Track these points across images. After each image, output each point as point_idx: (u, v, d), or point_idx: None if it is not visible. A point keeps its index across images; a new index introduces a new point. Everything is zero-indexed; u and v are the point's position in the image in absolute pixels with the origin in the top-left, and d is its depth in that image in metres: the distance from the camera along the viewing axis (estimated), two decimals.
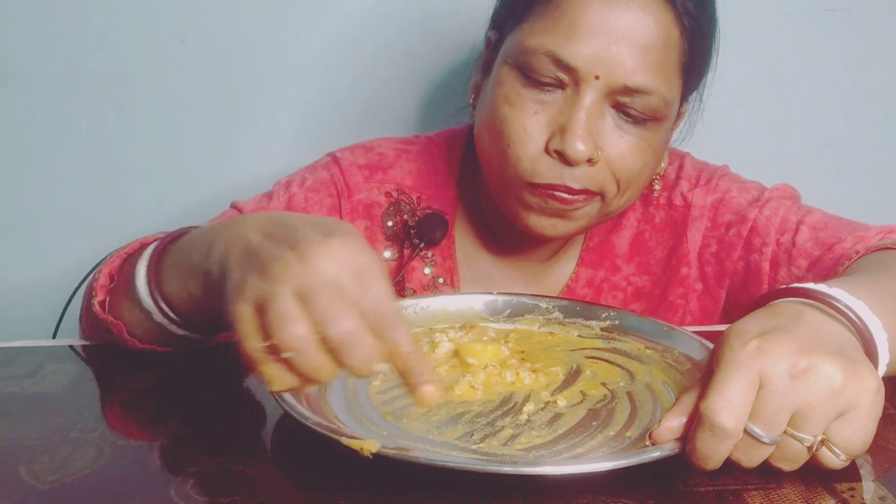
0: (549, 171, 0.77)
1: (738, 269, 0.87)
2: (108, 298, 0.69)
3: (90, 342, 0.75)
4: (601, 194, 0.79)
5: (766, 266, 0.85)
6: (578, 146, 0.74)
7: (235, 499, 0.48)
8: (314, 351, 0.47)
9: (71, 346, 0.73)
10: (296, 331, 0.47)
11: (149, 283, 0.64)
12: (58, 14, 1.12)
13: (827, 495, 0.50)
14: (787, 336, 0.49)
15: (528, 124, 0.77)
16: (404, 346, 0.48)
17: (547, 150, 0.77)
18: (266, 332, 0.48)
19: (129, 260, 0.70)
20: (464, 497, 0.49)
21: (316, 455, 0.52)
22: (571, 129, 0.74)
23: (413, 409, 0.59)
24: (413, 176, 0.92)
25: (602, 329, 0.73)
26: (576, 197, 0.78)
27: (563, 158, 0.76)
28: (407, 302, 0.75)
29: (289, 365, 0.48)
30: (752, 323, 0.51)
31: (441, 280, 0.90)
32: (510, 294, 0.77)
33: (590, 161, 0.76)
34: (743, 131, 1.20)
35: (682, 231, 0.90)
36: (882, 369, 0.53)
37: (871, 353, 0.52)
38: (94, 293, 0.69)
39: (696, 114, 0.89)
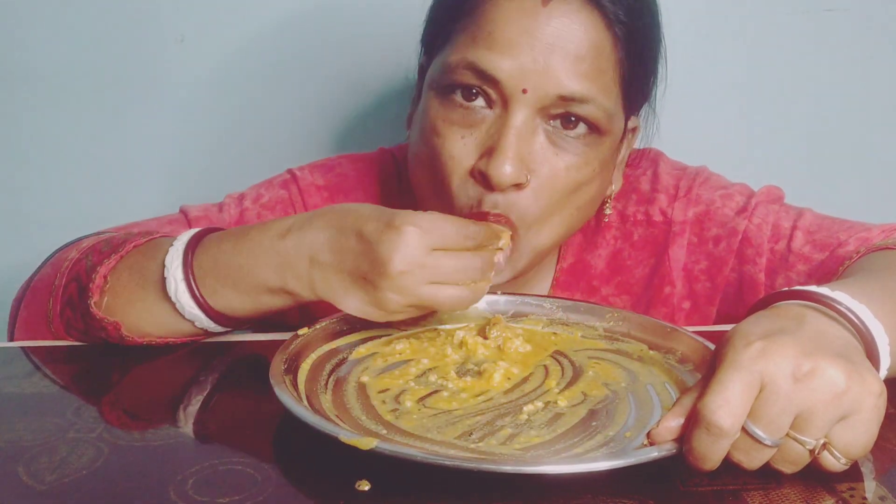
0: (467, 195, 0.72)
1: (731, 281, 0.84)
2: (105, 299, 0.69)
3: (34, 341, 0.75)
4: (516, 228, 0.73)
5: (761, 277, 0.82)
6: (505, 168, 0.69)
7: (235, 499, 0.48)
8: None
9: (70, 347, 0.73)
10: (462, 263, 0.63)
11: (193, 295, 0.66)
12: (57, 14, 1.12)
13: (827, 495, 0.50)
14: (790, 339, 0.49)
15: (456, 151, 0.72)
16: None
17: (472, 173, 0.72)
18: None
19: (129, 260, 0.70)
20: (463, 497, 0.49)
21: (316, 455, 0.52)
22: (499, 151, 0.69)
23: (413, 409, 0.59)
24: (377, 197, 0.89)
25: (605, 330, 0.73)
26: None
27: (486, 181, 0.71)
28: None
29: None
30: (755, 325, 0.51)
31: None
32: (514, 294, 0.76)
33: (517, 186, 0.71)
34: (742, 131, 1.20)
35: (664, 249, 0.85)
36: (883, 373, 0.53)
37: (872, 356, 0.52)
38: (88, 293, 0.68)
39: (652, 128, 0.84)
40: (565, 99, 0.70)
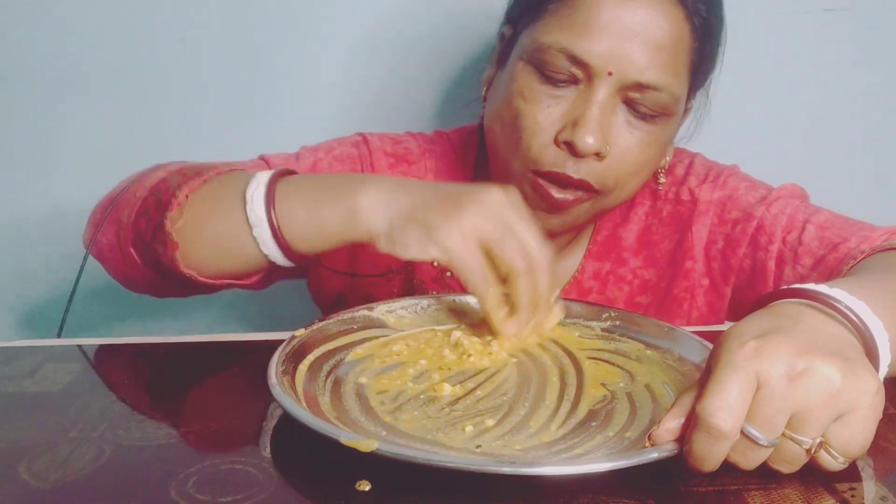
0: (553, 159, 0.79)
1: (745, 266, 0.88)
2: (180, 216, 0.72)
3: (103, 257, 0.79)
4: (598, 192, 0.81)
5: (771, 265, 0.85)
6: (588, 139, 0.76)
7: (235, 498, 0.48)
8: (528, 271, 0.65)
9: (71, 346, 0.73)
10: (518, 253, 0.64)
11: (267, 206, 0.69)
12: (58, 14, 1.12)
13: (827, 495, 0.50)
14: (785, 337, 0.49)
15: (541, 117, 0.79)
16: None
17: (556, 142, 0.79)
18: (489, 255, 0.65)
19: (215, 181, 0.74)
20: (463, 497, 0.49)
21: (316, 455, 0.52)
22: (583, 122, 0.77)
23: (412, 410, 0.59)
24: (433, 174, 0.95)
25: (603, 330, 0.73)
26: (566, 194, 0.80)
27: (572, 149, 0.78)
28: (407, 302, 0.75)
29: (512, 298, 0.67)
30: (750, 324, 0.51)
31: (449, 273, 0.92)
32: None
33: (597, 155, 0.78)
34: (741, 131, 1.20)
35: (688, 225, 0.91)
36: (883, 370, 0.53)
37: (871, 353, 0.52)
38: (168, 207, 0.71)
39: (703, 110, 0.91)
40: (641, 85, 0.77)
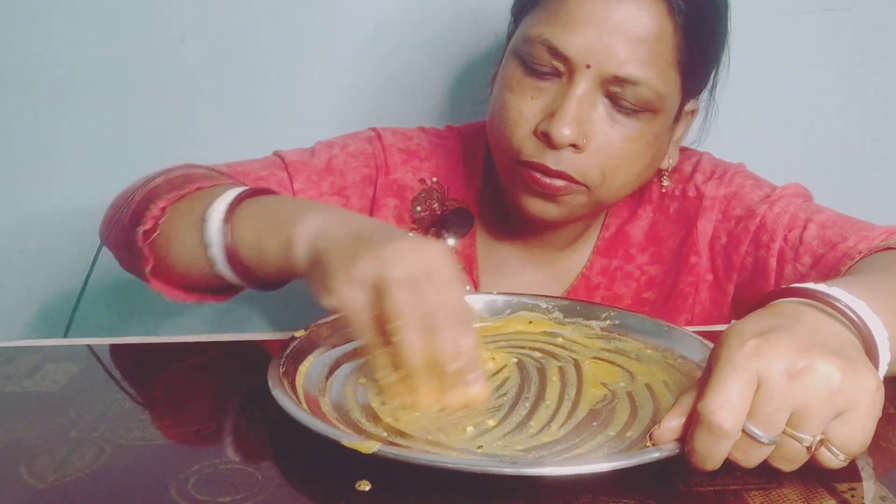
0: (532, 150, 0.80)
1: (747, 264, 0.88)
2: (155, 229, 0.72)
3: (114, 253, 0.82)
4: (585, 185, 0.81)
5: (772, 262, 0.85)
6: (564, 130, 0.77)
7: (235, 498, 0.48)
8: (417, 330, 0.54)
9: (71, 346, 0.73)
10: (408, 308, 0.54)
11: (224, 229, 0.68)
12: (57, 14, 1.13)
13: (827, 495, 0.50)
14: (785, 336, 0.49)
15: (524, 108, 0.80)
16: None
17: (535, 133, 0.80)
18: (377, 309, 0.55)
19: (193, 196, 0.73)
20: (464, 497, 0.49)
21: (316, 455, 0.52)
22: (559, 114, 0.78)
23: (413, 411, 0.59)
24: (445, 169, 0.96)
25: (602, 329, 0.73)
26: (553, 180, 0.80)
27: (548, 140, 0.79)
28: None
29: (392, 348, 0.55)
30: (750, 323, 0.51)
31: (460, 267, 0.92)
32: (510, 294, 0.76)
33: (574, 147, 0.79)
34: (741, 131, 1.20)
35: (693, 221, 0.91)
36: (883, 368, 0.53)
37: (871, 352, 0.52)
38: (142, 219, 0.72)
39: (711, 113, 0.91)
40: (621, 79, 0.78)
